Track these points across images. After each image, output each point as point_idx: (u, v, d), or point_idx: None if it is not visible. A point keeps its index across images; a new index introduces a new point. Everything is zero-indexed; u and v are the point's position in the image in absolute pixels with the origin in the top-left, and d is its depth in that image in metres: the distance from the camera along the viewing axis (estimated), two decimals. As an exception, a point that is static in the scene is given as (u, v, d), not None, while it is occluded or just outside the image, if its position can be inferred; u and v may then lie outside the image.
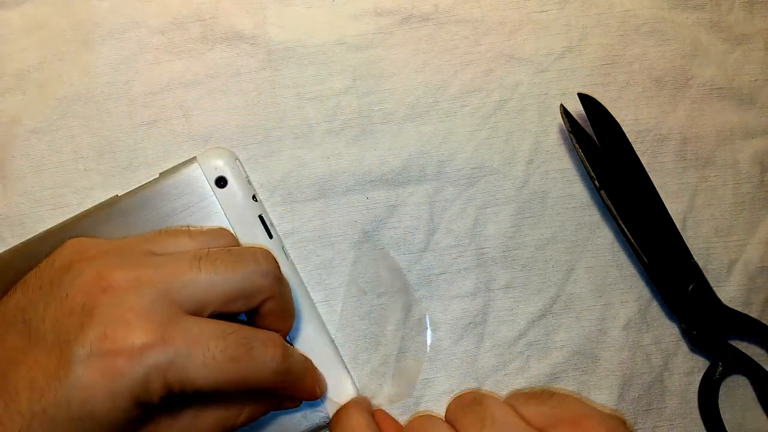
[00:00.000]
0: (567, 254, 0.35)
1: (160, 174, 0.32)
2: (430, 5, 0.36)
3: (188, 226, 0.29)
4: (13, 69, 0.35)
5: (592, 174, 0.34)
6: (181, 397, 0.24)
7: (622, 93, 0.36)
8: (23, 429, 0.22)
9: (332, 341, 0.33)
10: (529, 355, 0.34)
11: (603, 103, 0.35)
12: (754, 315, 0.34)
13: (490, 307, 0.34)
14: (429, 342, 0.34)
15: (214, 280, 0.25)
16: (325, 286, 0.34)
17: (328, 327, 0.34)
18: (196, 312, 0.25)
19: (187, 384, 0.23)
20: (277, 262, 0.28)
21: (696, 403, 0.34)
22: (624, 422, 0.26)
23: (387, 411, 0.33)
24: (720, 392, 0.34)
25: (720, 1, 0.37)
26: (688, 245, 0.34)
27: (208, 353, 0.24)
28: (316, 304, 0.33)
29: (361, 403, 0.31)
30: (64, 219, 0.32)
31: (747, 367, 0.33)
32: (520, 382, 0.34)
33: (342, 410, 0.30)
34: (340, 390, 0.32)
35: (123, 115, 0.35)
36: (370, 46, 0.36)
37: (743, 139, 0.36)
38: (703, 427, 0.33)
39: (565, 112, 0.34)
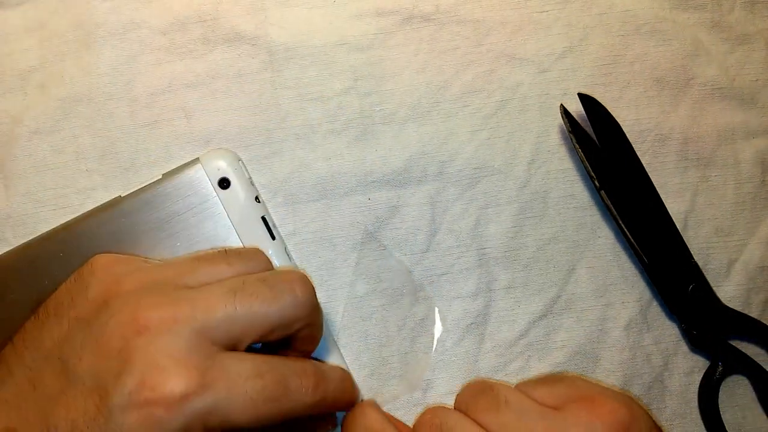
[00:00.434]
0: (568, 254, 0.35)
1: (162, 175, 0.32)
2: (431, 6, 0.36)
3: (224, 249, 0.29)
4: (14, 69, 0.35)
5: (592, 174, 0.34)
6: None
7: (623, 93, 0.36)
8: None
9: (335, 342, 0.33)
10: (529, 356, 0.34)
11: (604, 103, 0.35)
12: (754, 315, 0.34)
13: (492, 307, 0.34)
14: (437, 335, 0.34)
15: (251, 316, 0.25)
16: (327, 287, 0.34)
17: (330, 328, 0.34)
18: (233, 347, 0.25)
19: (226, 426, 0.24)
20: (313, 288, 0.27)
21: (696, 403, 0.34)
22: (633, 398, 0.27)
23: (390, 410, 0.33)
24: (720, 392, 0.34)
25: (721, 1, 0.37)
26: (688, 245, 0.34)
27: (246, 395, 0.24)
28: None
29: (374, 403, 0.31)
30: (67, 219, 0.32)
31: (747, 367, 0.33)
32: (521, 382, 0.34)
33: (357, 409, 0.30)
34: None
35: (125, 116, 0.35)
36: (372, 47, 0.36)
37: (744, 139, 0.36)
38: (703, 427, 0.34)
39: (565, 112, 0.34)
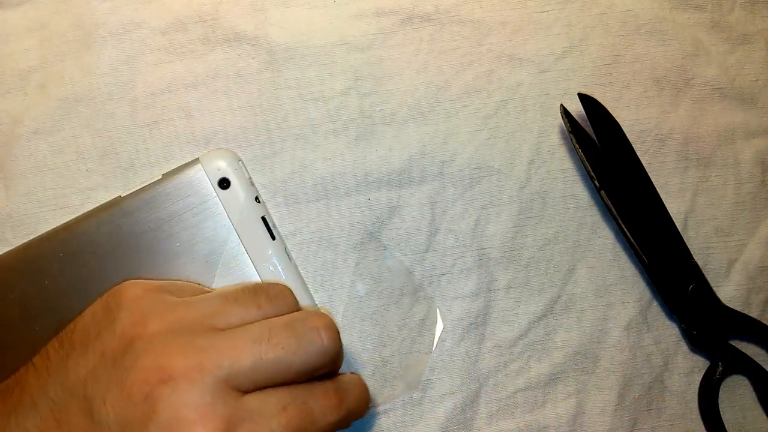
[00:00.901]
0: (568, 254, 0.35)
1: (162, 175, 0.32)
2: (431, 6, 0.36)
3: (253, 287, 0.28)
4: (14, 69, 0.35)
5: (592, 174, 0.34)
6: None
7: (623, 93, 0.36)
8: None
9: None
10: (530, 356, 0.34)
11: (604, 103, 0.35)
12: (754, 315, 0.34)
13: (492, 307, 0.34)
14: (438, 334, 0.34)
15: (276, 365, 0.25)
16: (327, 287, 0.34)
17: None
18: (257, 389, 0.25)
19: None
20: (338, 334, 0.27)
21: (696, 403, 0.34)
22: None
23: (389, 410, 0.33)
24: (720, 392, 0.34)
25: (721, 1, 0.37)
26: (688, 245, 0.34)
27: None
28: (318, 306, 0.34)
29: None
30: (67, 219, 0.32)
31: (747, 367, 0.33)
32: (520, 383, 0.34)
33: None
34: None
35: (125, 116, 0.35)
36: (372, 47, 0.36)
37: (744, 139, 0.36)
38: (703, 427, 0.34)
39: (565, 112, 0.34)
